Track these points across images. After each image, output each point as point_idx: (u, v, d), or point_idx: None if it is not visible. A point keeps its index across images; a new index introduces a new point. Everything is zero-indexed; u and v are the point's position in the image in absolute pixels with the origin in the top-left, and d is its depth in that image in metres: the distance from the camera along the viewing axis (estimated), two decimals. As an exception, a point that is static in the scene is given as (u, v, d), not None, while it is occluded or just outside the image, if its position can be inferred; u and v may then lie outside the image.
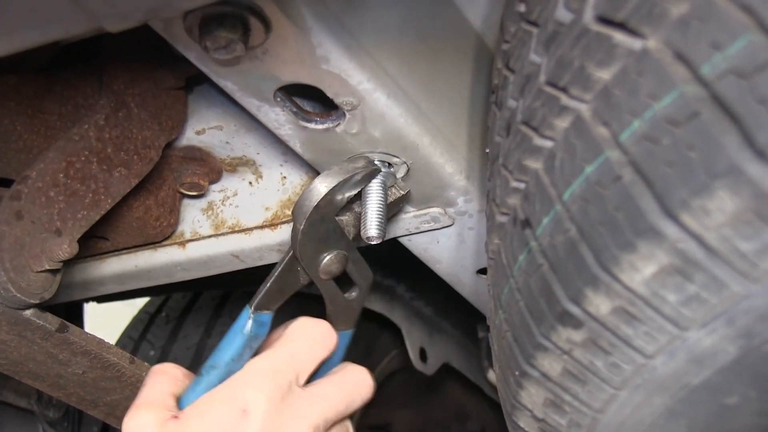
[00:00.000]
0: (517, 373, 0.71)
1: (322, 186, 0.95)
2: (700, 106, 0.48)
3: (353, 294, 1.12)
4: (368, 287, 1.12)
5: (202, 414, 0.91)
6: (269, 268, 1.31)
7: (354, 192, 0.98)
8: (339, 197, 0.97)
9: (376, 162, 1.00)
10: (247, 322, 1.02)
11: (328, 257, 1.02)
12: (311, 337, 1.03)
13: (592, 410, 0.66)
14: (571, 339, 0.61)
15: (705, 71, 0.47)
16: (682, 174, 0.49)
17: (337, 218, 1.00)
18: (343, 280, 1.10)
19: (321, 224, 0.98)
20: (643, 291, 0.55)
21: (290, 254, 1.02)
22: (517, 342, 0.69)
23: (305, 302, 1.33)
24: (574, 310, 0.59)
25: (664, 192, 0.50)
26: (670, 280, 0.53)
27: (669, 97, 0.50)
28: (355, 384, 1.04)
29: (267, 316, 1.03)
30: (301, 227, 0.96)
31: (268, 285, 1.03)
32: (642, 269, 0.53)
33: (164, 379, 1.00)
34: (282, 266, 1.02)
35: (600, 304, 0.57)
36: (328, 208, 0.97)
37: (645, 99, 0.52)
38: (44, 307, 0.97)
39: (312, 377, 1.01)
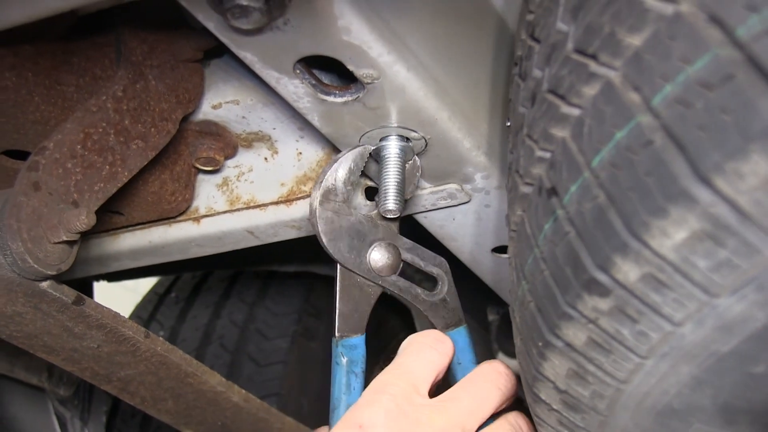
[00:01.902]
0: (540, 344, 0.70)
1: (315, 190, 0.96)
2: (734, 68, 0.47)
3: (439, 287, 1.11)
4: (447, 273, 1.11)
5: None
6: (281, 244, 1.32)
7: (355, 176, 0.98)
8: (341, 188, 0.97)
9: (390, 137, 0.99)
10: (337, 353, 1.01)
11: (373, 252, 1.01)
12: (420, 346, 1.01)
13: (616, 381, 0.66)
14: (597, 307, 0.61)
15: (740, 33, 0.47)
16: (716, 137, 0.49)
17: (367, 213, 1.00)
18: (419, 276, 1.09)
19: (340, 219, 0.97)
20: (673, 257, 0.54)
21: (338, 267, 1.01)
22: (541, 312, 0.69)
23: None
24: (602, 277, 0.59)
25: (696, 156, 0.50)
26: (700, 245, 0.53)
27: (702, 61, 0.49)
28: (485, 380, 1.01)
29: (356, 339, 1.02)
30: (320, 229, 0.96)
31: (337, 308, 1.02)
32: (673, 235, 0.53)
33: None
34: (339, 284, 1.02)
35: (628, 271, 0.57)
36: (335, 202, 0.96)
37: (677, 63, 0.51)
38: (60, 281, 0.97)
39: (444, 387, 1.00)
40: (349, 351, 1.01)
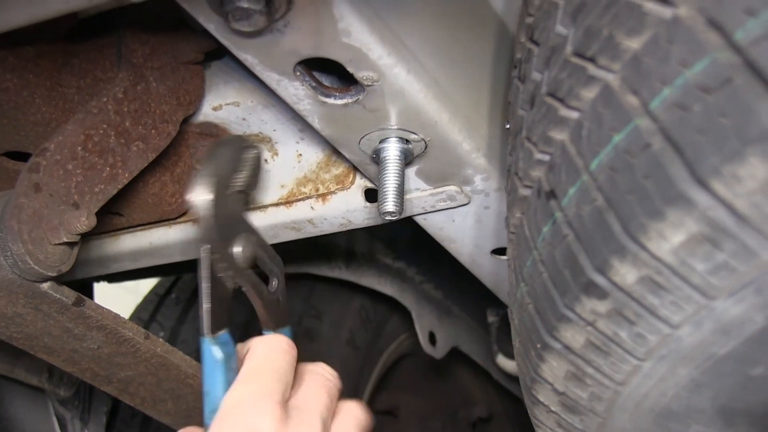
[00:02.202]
0: (538, 345, 0.71)
1: (201, 184, 0.94)
2: (733, 72, 0.48)
3: (273, 285, 1.09)
4: (283, 274, 1.09)
5: None
6: (277, 247, 1.32)
7: (238, 171, 0.98)
8: (218, 180, 0.94)
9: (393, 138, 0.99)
10: (212, 349, 0.97)
11: (238, 243, 0.99)
12: (281, 349, 1.00)
13: (614, 383, 0.66)
14: (595, 310, 0.61)
15: (739, 37, 0.47)
16: (714, 141, 0.49)
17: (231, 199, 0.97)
18: (261, 273, 1.06)
19: (223, 205, 0.95)
20: (671, 260, 0.54)
21: (207, 263, 0.96)
22: (540, 314, 0.69)
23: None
24: (600, 280, 0.59)
25: (694, 159, 0.50)
26: (698, 248, 0.53)
27: (701, 64, 0.50)
28: (326, 378, 1.02)
29: (225, 334, 0.99)
30: (205, 215, 0.93)
31: (208, 305, 0.97)
32: (670, 238, 0.53)
33: None
34: (208, 281, 0.96)
35: (626, 274, 0.57)
36: (218, 195, 0.94)
37: (676, 66, 0.51)
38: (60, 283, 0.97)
39: None
40: (224, 347, 0.98)
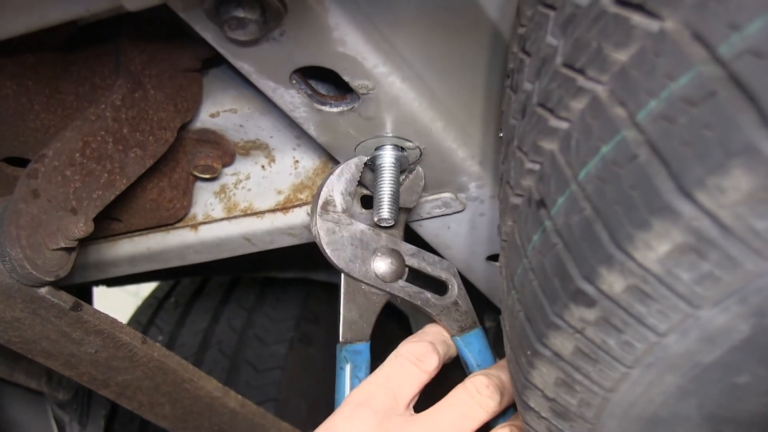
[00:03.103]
0: (528, 352, 0.71)
1: (317, 196, 0.97)
2: (717, 85, 0.48)
3: (449, 290, 1.11)
4: (456, 275, 1.11)
5: None
6: (279, 251, 1.33)
7: (351, 187, 0.99)
8: (338, 200, 0.98)
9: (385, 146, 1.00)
10: (340, 357, 1.02)
11: (376, 259, 1.02)
12: (406, 358, 1.01)
13: (603, 389, 0.67)
14: (583, 317, 0.62)
15: (722, 51, 0.48)
16: (698, 153, 0.49)
17: (355, 220, 1.01)
18: (427, 281, 1.09)
19: (341, 230, 0.98)
20: (657, 269, 0.55)
21: (342, 276, 1.02)
22: (530, 321, 0.70)
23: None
24: (588, 288, 0.60)
25: (679, 170, 0.51)
26: (684, 258, 0.53)
27: (686, 77, 0.50)
28: (468, 396, 1.00)
29: (360, 345, 1.03)
30: (322, 241, 0.97)
31: (342, 315, 1.03)
32: (656, 247, 0.54)
33: None
34: (342, 291, 1.02)
35: (613, 283, 0.58)
36: (333, 213, 0.97)
37: (662, 79, 0.52)
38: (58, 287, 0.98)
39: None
40: (352, 356, 1.02)
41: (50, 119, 1.07)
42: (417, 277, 1.10)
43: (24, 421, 1.75)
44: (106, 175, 1.00)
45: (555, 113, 0.65)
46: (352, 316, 1.03)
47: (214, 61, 1.16)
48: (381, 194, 0.99)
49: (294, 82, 0.90)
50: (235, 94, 1.18)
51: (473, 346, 1.08)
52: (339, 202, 1.00)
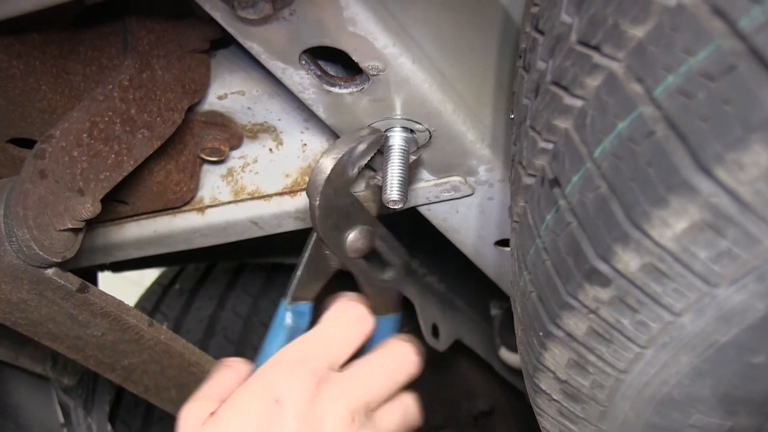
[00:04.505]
0: (541, 333, 0.71)
1: (328, 159, 0.94)
2: (736, 59, 0.48)
3: (389, 274, 1.11)
4: (404, 265, 1.11)
5: (235, 408, 0.89)
6: (284, 237, 1.32)
7: (364, 161, 0.98)
8: (350, 169, 0.96)
9: (395, 128, 0.99)
10: (285, 314, 1.01)
11: (352, 234, 1.01)
12: (346, 320, 1.00)
13: (616, 370, 0.66)
14: (598, 297, 0.61)
15: (743, 24, 0.47)
16: (717, 128, 0.49)
17: (354, 193, 1.00)
18: (377, 262, 1.09)
19: (337, 198, 0.96)
20: (674, 247, 0.55)
21: (314, 237, 1.01)
22: (542, 302, 0.69)
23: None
24: (603, 267, 0.59)
25: (698, 146, 0.50)
26: (701, 235, 0.53)
27: (705, 52, 0.50)
28: (396, 360, 1.01)
29: (305, 306, 1.02)
30: (317, 203, 0.95)
31: (299, 273, 1.02)
32: (673, 225, 0.53)
33: (228, 374, 1.00)
34: (309, 251, 1.01)
35: (629, 261, 0.57)
36: (340, 180, 0.96)
37: (680, 54, 0.51)
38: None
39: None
40: (297, 317, 1.01)
41: (57, 99, 1.06)
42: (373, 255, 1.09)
43: (29, 406, 1.75)
44: (113, 156, 1.00)
45: (569, 91, 0.64)
46: (307, 278, 1.02)
47: (222, 42, 1.16)
48: (390, 176, 0.99)
49: (303, 62, 0.90)
50: (243, 75, 1.17)
51: (386, 328, 1.08)
52: (349, 171, 0.98)
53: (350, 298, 1.04)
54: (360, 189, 1.13)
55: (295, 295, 1.01)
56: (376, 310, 1.05)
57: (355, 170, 0.98)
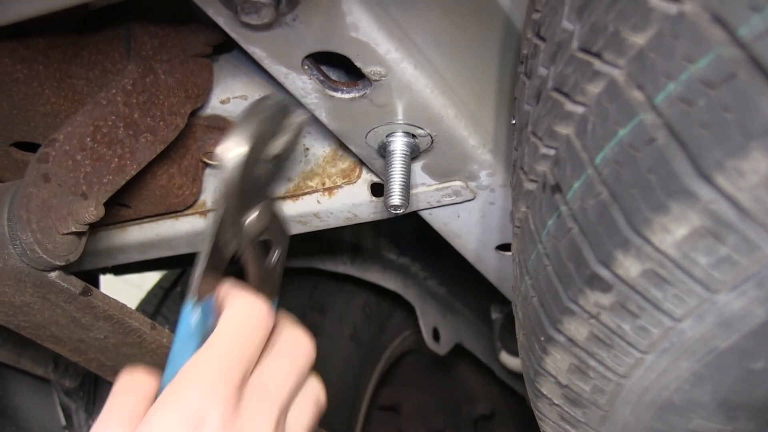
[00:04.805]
0: (542, 338, 0.71)
1: (236, 143, 0.84)
2: (736, 67, 0.48)
3: (274, 257, 1.00)
4: (287, 247, 1.00)
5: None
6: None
7: (270, 135, 0.88)
8: (258, 148, 0.86)
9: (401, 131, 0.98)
10: (192, 316, 0.89)
11: (251, 216, 0.94)
12: (252, 320, 0.89)
13: (616, 375, 0.67)
14: (599, 302, 0.62)
15: (743, 33, 0.48)
16: (717, 135, 0.49)
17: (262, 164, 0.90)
18: (263, 244, 1.00)
19: (245, 181, 0.86)
20: (674, 253, 0.55)
21: (218, 225, 0.89)
22: (544, 307, 0.69)
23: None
24: (604, 273, 0.60)
25: (698, 153, 0.50)
26: (701, 242, 0.53)
27: (705, 59, 0.50)
28: (297, 351, 0.91)
29: (209, 302, 0.90)
30: (236, 179, 0.84)
31: (203, 266, 0.89)
32: (674, 231, 0.54)
33: (134, 390, 0.87)
34: (212, 241, 0.88)
35: (630, 267, 0.58)
36: (248, 161, 0.82)
37: (681, 61, 0.52)
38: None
39: None
40: (204, 315, 0.90)
41: (61, 104, 1.07)
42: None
43: (30, 408, 1.75)
44: (116, 159, 1.00)
45: (571, 98, 0.64)
46: (210, 271, 0.90)
47: (225, 46, 1.16)
48: (392, 181, 0.99)
49: (306, 67, 0.90)
50: (245, 80, 1.18)
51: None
52: (258, 151, 0.87)
53: (241, 289, 0.93)
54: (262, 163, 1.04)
55: (201, 292, 0.89)
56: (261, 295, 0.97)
57: (264, 148, 0.89)
